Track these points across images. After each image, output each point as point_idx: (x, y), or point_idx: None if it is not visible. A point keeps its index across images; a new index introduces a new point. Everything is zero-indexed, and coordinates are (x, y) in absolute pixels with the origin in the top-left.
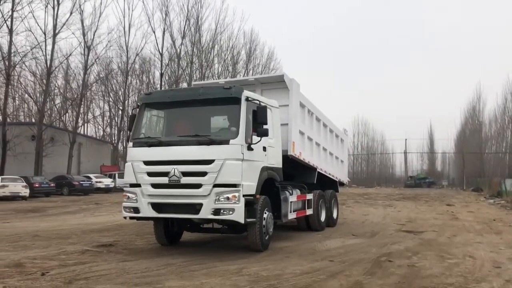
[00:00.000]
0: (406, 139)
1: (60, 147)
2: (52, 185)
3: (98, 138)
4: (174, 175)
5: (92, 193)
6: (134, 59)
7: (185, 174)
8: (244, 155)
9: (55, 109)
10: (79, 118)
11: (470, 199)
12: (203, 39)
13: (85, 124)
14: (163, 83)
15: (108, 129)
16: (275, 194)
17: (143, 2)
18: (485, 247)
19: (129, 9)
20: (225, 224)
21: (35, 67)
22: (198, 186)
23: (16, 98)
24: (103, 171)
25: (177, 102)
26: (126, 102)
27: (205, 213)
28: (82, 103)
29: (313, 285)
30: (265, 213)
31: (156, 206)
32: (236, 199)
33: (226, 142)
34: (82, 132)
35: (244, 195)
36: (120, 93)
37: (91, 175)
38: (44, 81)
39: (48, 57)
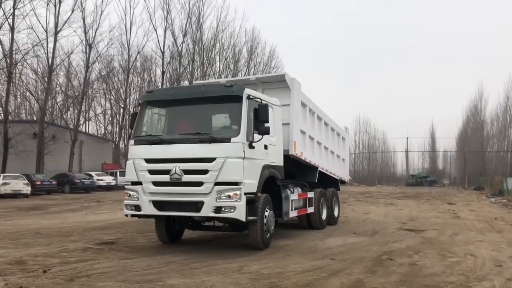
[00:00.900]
0: (407, 138)
1: (61, 145)
2: (53, 183)
3: (99, 136)
4: (175, 173)
5: (93, 191)
6: (136, 57)
7: (187, 172)
8: (245, 153)
9: (57, 107)
10: (81, 116)
11: (472, 197)
12: (205, 37)
13: (87, 122)
14: (164, 81)
15: (109, 127)
16: (277, 192)
17: (144, 0)
18: (486, 245)
19: (130, 7)
20: (226, 222)
21: (37, 65)
22: (199, 184)
23: (18, 96)
24: (104, 169)
25: (178, 100)
26: (128, 100)
27: (207, 211)
28: (84, 101)
29: (314, 283)
30: (266, 211)
31: (157, 204)
32: (238, 197)
33: (227, 140)
34: (83, 130)
35: (245, 193)
36: (121, 91)
37: (92, 173)
38: (46, 79)
39: (50, 55)
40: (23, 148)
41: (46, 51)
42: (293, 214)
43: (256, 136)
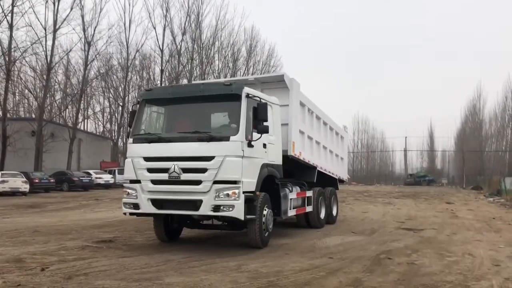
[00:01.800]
0: (406, 137)
1: (60, 143)
2: (52, 180)
3: (98, 134)
4: (174, 171)
5: (92, 189)
6: (135, 55)
7: (185, 170)
8: (244, 152)
9: (55, 104)
10: (79, 114)
11: (470, 197)
12: (204, 35)
13: (85, 120)
14: (163, 80)
15: (108, 125)
16: (275, 191)
17: None
18: (484, 245)
19: (129, 5)
20: (225, 220)
21: (35, 62)
22: (198, 182)
23: (16, 94)
24: (103, 167)
25: (177, 99)
26: (126, 98)
27: (205, 209)
28: (82, 99)
29: (313, 282)
30: (265, 210)
31: (156, 202)
32: (236, 195)
33: (226, 138)
34: (82, 128)
35: (244, 192)
36: (120, 89)
37: (91, 171)
38: (44, 76)
39: (49, 52)
40: (22, 146)
41: (44, 49)
42: (291, 213)
43: (255, 135)
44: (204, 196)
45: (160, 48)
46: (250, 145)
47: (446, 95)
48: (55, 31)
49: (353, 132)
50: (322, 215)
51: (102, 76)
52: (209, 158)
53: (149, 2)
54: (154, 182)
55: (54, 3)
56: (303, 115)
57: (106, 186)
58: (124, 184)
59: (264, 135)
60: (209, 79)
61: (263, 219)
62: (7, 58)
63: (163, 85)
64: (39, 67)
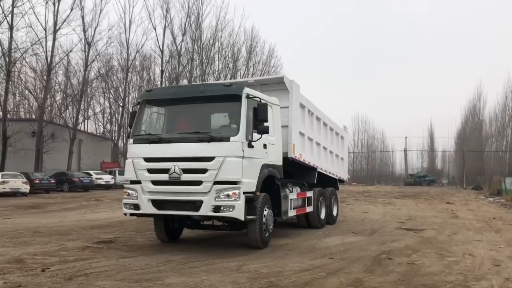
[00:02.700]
0: (406, 137)
1: (60, 144)
2: (52, 181)
3: (98, 134)
4: (174, 172)
5: (92, 190)
6: (135, 56)
7: (186, 171)
8: (244, 153)
9: (56, 105)
10: (80, 115)
11: (470, 197)
12: (204, 36)
13: (86, 121)
14: (163, 80)
15: (108, 126)
16: (275, 192)
17: None
18: (484, 245)
19: (129, 5)
20: (225, 221)
21: (36, 63)
22: (198, 183)
23: (17, 94)
24: (103, 168)
25: (177, 99)
26: (127, 99)
27: (205, 210)
28: (83, 99)
29: (313, 282)
30: (265, 210)
31: (156, 203)
32: (237, 196)
33: (226, 139)
34: (82, 129)
35: (244, 192)
36: (120, 89)
37: (91, 172)
38: (45, 77)
39: (49, 53)
40: (22, 147)
41: (45, 50)
42: (292, 213)
43: (255, 135)
44: (204, 196)
45: (160, 48)
46: (250, 145)
47: (446, 95)
48: (55, 31)
49: (353, 132)
50: (323, 215)
51: (102, 76)
52: (209, 159)
53: (149, 3)
54: (155, 182)
55: (54, 4)
56: (303, 116)
57: (107, 186)
58: (125, 185)
59: (264, 135)
60: (209, 79)
61: (264, 219)
62: (7, 59)
63: (163, 85)
64: (39, 67)
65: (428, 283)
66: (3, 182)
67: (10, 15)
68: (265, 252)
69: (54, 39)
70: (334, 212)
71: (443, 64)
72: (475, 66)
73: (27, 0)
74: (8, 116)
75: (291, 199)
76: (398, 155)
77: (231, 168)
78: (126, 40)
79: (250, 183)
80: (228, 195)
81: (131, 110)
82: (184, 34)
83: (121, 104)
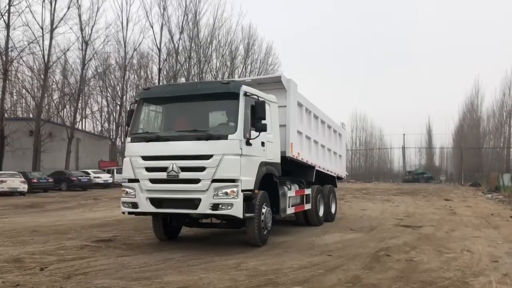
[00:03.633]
0: (404, 134)
1: (58, 143)
2: (50, 180)
3: (96, 133)
4: (172, 170)
5: (90, 189)
6: (132, 54)
7: (184, 169)
8: (242, 150)
9: (53, 104)
10: (77, 114)
11: (468, 194)
12: (201, 34)
13: (83, 120)
14: (161, 78)
15: (106, 125)
16: (274, 189)
17: None
18: (482, 241)
19: (126, 3)
20: (224, 219)
21: (33, 62)
22: (196, 181)
23: (14, 93)
24: (101, 167)
25: (175, 97)
26: (124, 97)
27: (204, 208)
28: (80, 98)
29: (312, 280)
30: (264, 208)
31: (154, 201)
32: (235, 194)
33: (224, 137)
34: (80, 128)
35: (242, 190)
36: (118, 88)
37: (89, 171)
38: (42, 76)
39: (46, 52)
40: (20, 146)
41: (42, 48)
42: (290, 211)
43: (253, 133)
44: (202, 194)
45: (157, 47)
46: (248, 143)
47: (443, 92)
48: (52, 30)
49: (351, 130)
50: (321, 212)
51: (100, 75)
52: (207, 157)
53: (146, 1)
54: (153, 181)
55: (51, 3)
56: (301, 115)
57: (105, 185)
58: (123, 183)
59: (262, 133)
60: (207, 77)
61: (262, 217)
62: (4, 58)
63: (161, 84)
64: (36, 66)
65: (426, 280)
66: (1, 182)
67: (6, 14)
68: (264, 249)
69: (51, 38)
70: (333, 210)
71: (441, 61)
72: (472, 63)
73: None
74: (6, 115)
75: (289, 197)
76: (396, 152)
77: (229, 166)
78: (123, 39)
79: (248, 181)
80: (226, 193)
81: (128, 109)
82: (181, 32)
83: (118, 103)
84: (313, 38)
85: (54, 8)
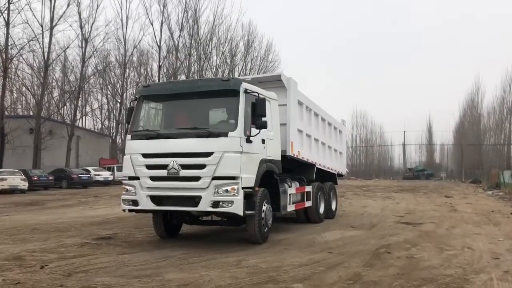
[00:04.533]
0: (404, 131)
1: (58, 140)
2: (50, 178)
3: (96, 131)
4: (172, 167)
5: (90, 186)
6: (132, 52)
7: (184, 166)
8: (243, 148)
9: (53, 102)
10: (77, 111)
11: (469, 190)
12: (201, 31)
13: (83, 117)
14: (161, 76)
15: (106, 122)
16: (274, 187)
17: None
18: (483, 238)
19: (126, 1)
20: (224, 216)
21: (33, 59)
22: (197, 178)
23: (14, 91)
24: (101, 164)
25: (175, 95)
26: (124, 94)
27: (204, 205)
28: (80, 96)
29: (312, 277)
30: (264, 205)
31: (155, 199)
32: (235, 191)
33: (224, 134)
34: (80, 125)
35: (243, 188)
36: (118, 85)
37: (89, 168)
38: (42, 74)
39: (46, 49)
40: (20, 144)
41: (42, 46)
42: (290, 208)
43: (254, 131)
44: (203, 192)
45: (157, 44)
46: (248, 140)
47: (444, 89)
48: (52, 28)
49: (351, 127)
50: (321, 210)
51: (100, 72)
52: (207, 154)
53: None
54: (153, 178)
55: (50, 0)
56: (301, 113)
57: (105, 183)
58: (123, 181)
59: (262, 130)
60: (207, 75)
61: (262, 214)
62: (4, 56)
63: (161, 81)
64: (36, 64)
65: (427, 277)
66: (2, 179)
67: (6, 12)
68: (264, 247)
69: (50, 36)
70: (333, 207)
71: (442, 59)
72: (473, 60)
73: None
74: (6, 113)
75: (290, 194)
76: (397, 149)
77: (230, 163)
78: (123, 36)
79: (249, 178)
80: (226, 191)
81: (128, 106)
82: (181, 29)
83: (118, 100)
84: (314, 33)
85: (54, 5)
